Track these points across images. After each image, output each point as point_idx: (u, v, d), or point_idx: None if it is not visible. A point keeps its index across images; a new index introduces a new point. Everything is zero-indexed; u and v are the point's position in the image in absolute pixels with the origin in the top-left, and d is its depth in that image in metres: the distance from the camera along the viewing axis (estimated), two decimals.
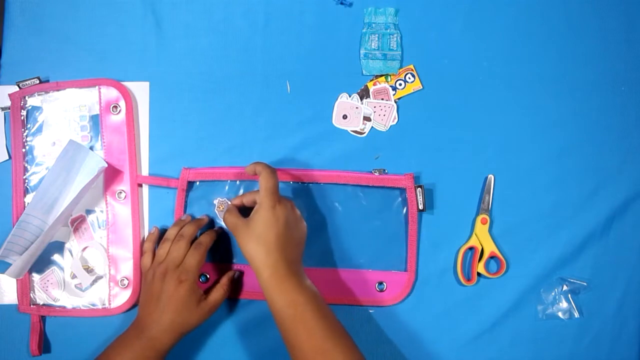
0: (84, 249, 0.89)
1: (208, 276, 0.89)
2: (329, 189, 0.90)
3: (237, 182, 0.90)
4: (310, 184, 0.90)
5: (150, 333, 0.81)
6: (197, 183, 0.90)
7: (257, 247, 0.78)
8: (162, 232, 0.88)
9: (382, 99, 0.90)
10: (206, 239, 0.85)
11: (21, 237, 0.85)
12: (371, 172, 0.89)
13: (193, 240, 0.85)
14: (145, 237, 0.89)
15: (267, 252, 0.77)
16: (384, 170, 0.89)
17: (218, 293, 0.85)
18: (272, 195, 0.79)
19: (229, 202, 0.87)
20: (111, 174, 0.90)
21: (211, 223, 0.90)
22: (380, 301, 0.89)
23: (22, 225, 0.85)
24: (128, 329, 0.83)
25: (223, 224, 0.88)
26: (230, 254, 0.90)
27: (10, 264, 0.84)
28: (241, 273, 0.89)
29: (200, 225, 0.88)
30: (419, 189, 0.87)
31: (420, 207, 0.88)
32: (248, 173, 0.83)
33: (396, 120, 0.90)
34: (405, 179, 0.88)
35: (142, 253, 0.88)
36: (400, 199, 0.90)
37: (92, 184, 0.86)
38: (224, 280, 0.86)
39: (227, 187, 0.90)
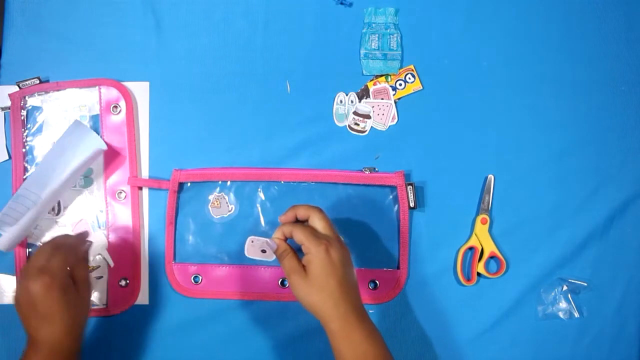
0: None
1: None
2: (320, 188, 0.90)
3: (228, 182, 0.90)
4: (302, 184, 0.90)
5: (50, 346, 0.75)
6: (189, 184, 0.90)
7: (322, 298, 0.73)
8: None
9: (382, 99, 0.90)
10: (61, 239, 0.80)
11: (15, 210, 0.84)
12: (362, 170, 0.89)
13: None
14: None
15: (334, 304, 0.73)
16: (375, 168, 0.89)
17: (79, 270, 0.79)
18: (319, 241, 0.73)
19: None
20: (111, 174, 0.90)
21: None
22: (373, 299, 0.89)
23: (18, 199, 0.85)
24: (26, 353, 0.76)
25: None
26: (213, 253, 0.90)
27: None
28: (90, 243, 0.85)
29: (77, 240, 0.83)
30: (409, 186, 0.88)
31: (412, 204, 0.88)
32: (285, 221, 0.79)
33: (396, 120, 0.91)
34: (396, 176, 0.88)
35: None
36: (391, 196, 0.90)
37: (89, 163, 0.87)
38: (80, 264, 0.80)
39: (218, 188, 0.90)
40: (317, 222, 0.77)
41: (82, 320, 0.78)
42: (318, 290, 0.73)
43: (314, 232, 0.75)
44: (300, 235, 0.75)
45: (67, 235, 0.83)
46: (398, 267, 0.89)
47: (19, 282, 0.76)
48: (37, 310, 0.74)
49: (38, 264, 0.75)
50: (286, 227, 0.77)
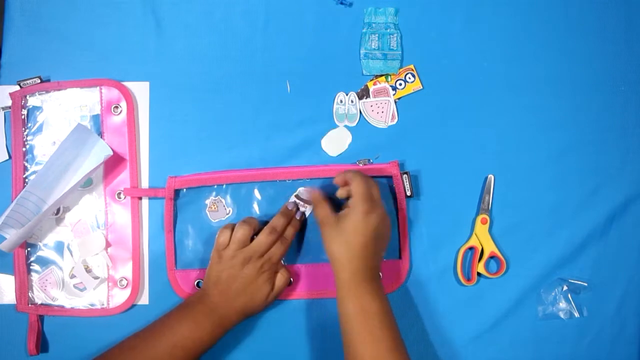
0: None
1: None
2: (317, 185, 0.89)
3: (224, 185, 0.90)
4: (298, 181, 0.89)
5: (221, 312, 0.82)
6: (184, 190, 0.90)
7: (342, 250, 0.79)
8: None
9: (382, 100, 0.91)
10: (290, 233, 0.86)
11: (19, 213, 0.84)
12: (356, 163, 0.89)
13: None
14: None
15: (350, 257, 0.78)
16: (369, 160, 0.89)
17: (280, 280, 0.86)
18: (366, 202, 0.78)
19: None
20: (111, 175, 0.90)
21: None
22: None
23: (22, 202, 0.85)
24: (194, 304, 0.83)
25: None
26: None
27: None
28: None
29: (290, 217, 0.87)
30: (405, 175, 0.88)
31: (408, 193, 0.88)
32: (338, 183, 0.84)
33: (396, 119, 0.91)
34: (391, 166, 0.88)
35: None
36: (387, 187, 0.90)
37: (95, 170, 0.87)
38: (282, 266, 0.87)
39: (214, 192, 0.90)
40: (374, 186, 0.81)
41: (259, 310, 0.85)
42: (341, 242, 0.79)
43: (368, 190, 0.79)
44: (356, 188, 0.80)
45: (285, 220, 0.86)
46: (399, 257, 0.89)
47: (245, 260, 0.83)
48: (241, 288, 0.82)
49: (263, 250, 0.83)
50: (348, 175, 0.82)
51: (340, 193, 0.84)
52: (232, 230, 0.84)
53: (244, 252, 0.83)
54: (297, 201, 0.88)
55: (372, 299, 0.78)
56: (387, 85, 0.91)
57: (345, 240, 0.78)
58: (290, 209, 0.87)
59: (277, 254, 0.84)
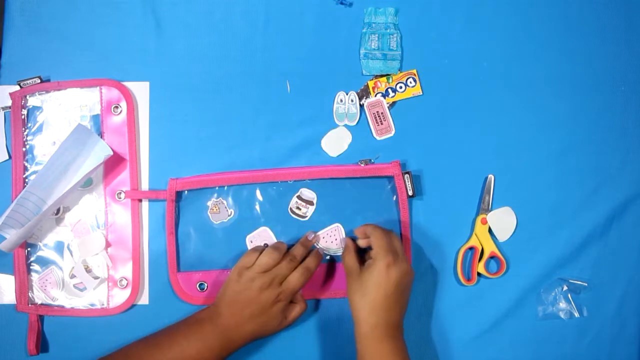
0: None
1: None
2: (318, 185, 0.89)
3: (225, 187, 0.90)
4: (299, 182, 0.90)
5: (230, 335, 0.81)
6: (186, 192, 0.90)
7: (362, 302, 0.79)
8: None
9: (377, 112, 0.90)
10: (313, 264, 0.85)
11: (19, 213, 0.84)
12: (357, 163, 0.89)
13: None
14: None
15: (370, 310, 0.78)
16: (370, 160, 0.89)
17: (295, 311, 0.85)
18: (388, 255, 0.79)
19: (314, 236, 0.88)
20: (111, 175, 0.90)
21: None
22: None
23: (22, 202, 0.85)
24: (203, 322, 0.82)
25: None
26: None
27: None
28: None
29: (308, 247, 0.87)
30: (406, 175, 0.88)
31: (410, 193, 0.88)
32: (358, 235, 0.85)
33: (392, 132, 0.90)
34: (392, 166, 0.88)
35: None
36: (389, 187, 0.90)
37: (95, 170, 0.87)
38: (300, 297, 0.86)
39: (215, 194, 0.90)
40: (395, 239, 0.82)
41: (267, 336, 0.85)
42: (362, 294, 0.78)
43: (389, 243, 0.80)
44: (376, 241, 0.80)
45: (304, 249, 0.86)
46: None
47: (265, 285, 0.81)
48: (254, 314, 0.81)
49: (283, 278, 0.82)
50: (368, 228, 0.83)
51: (361, 243, 0.85)
52: (260, 253, 0.84)
53: (265, 277, 0.82)
54: (315, 234, 0.89)
55: (392, 357, 0.77)
56: (381, 99, 0.90)
57: (365, 293, 0.78)
58: (310, 239, 0.87)
59: (295, 285, 0.83)
